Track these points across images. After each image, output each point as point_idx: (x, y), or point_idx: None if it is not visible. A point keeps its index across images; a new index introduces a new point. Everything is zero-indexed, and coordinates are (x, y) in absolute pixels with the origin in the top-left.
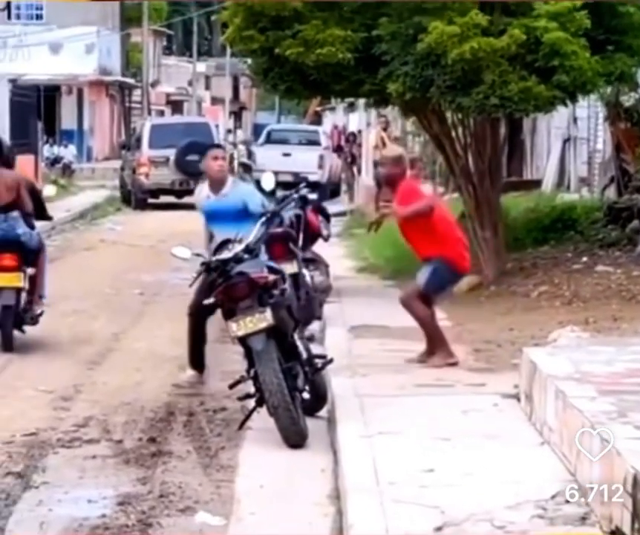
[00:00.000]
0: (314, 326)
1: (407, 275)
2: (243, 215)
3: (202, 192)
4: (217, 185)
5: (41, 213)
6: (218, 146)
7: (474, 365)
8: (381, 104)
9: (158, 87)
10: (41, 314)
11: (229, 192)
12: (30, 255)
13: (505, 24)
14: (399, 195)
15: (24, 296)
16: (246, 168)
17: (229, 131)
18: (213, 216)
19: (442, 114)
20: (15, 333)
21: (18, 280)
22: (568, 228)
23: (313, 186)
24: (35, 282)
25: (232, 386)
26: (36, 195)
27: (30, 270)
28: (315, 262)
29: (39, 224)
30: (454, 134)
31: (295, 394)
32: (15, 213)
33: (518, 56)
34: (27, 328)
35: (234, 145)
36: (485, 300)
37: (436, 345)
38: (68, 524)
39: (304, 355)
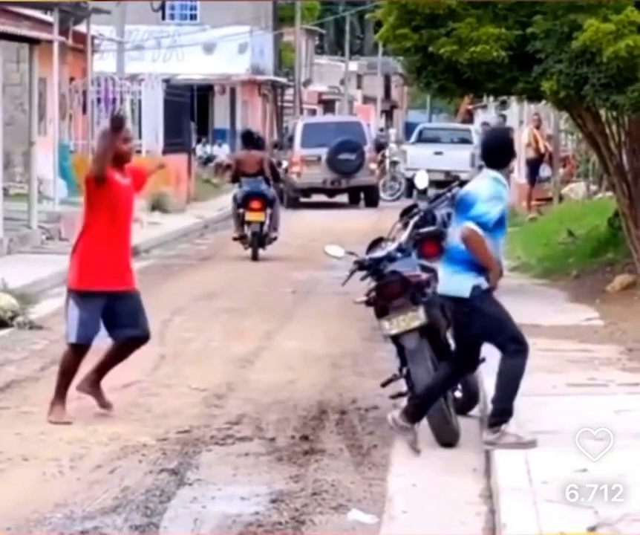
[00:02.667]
0: None
1: (559, 274)
2: None
3: None
4: None
5: (276, 178)
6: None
7: (627, 364)
8: (533, 101)
9: (310, 86)
10: (275, 238)
11: None
12: (269, 202)
13: None
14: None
15: (265, 227)
16: (394, 164)
17: (380, 130)
18: None
19: (596, 112)
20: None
21: (261, 217)
22: None
23: (465, 184)
24: (272, 218)
25: (384, 385)
26: (273, 167)
27: (269, 211)
28: None
29: None
30: (608, 131)
31: (448, 393)
32: (260, 177)
33: None
34: None
35: (386, 143)
36: (638, 299)
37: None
38: (222, 521)
39: None
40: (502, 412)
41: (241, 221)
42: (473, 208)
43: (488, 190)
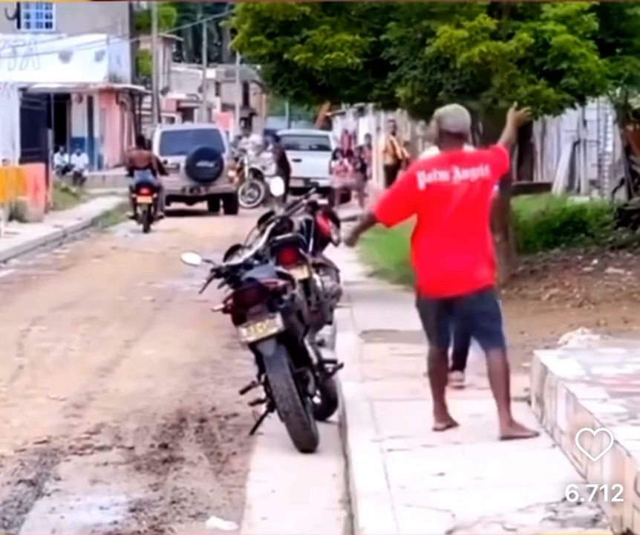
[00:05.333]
0: (324, 331)
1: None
2: None
3: None
4: None
5: (162, 172)
6: None
7: (485, 368)
8: (389, 108)
9: (168, 94)
10: (161, 217)
11: None
12: (155, 189)
13: (514, 27)
14: None
15: (152, 208)
16: (257, 174)
17: (239, 137)
18: None
19: None
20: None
21: (149, 200)
22: (578, 231)
23: (323, 191)
24: (157, 201)
25: (243, 392)
26: (159, 163)
27: (155, 195)
28: (325, 267)
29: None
30: None
31: (306, 399)
32: (148, 170)
33: (527, 59)
34: None
35: (244, 151)
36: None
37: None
38: (80, 531)
39: (315, 360)
40: None
41: (134, 204)
42: None
43: None
